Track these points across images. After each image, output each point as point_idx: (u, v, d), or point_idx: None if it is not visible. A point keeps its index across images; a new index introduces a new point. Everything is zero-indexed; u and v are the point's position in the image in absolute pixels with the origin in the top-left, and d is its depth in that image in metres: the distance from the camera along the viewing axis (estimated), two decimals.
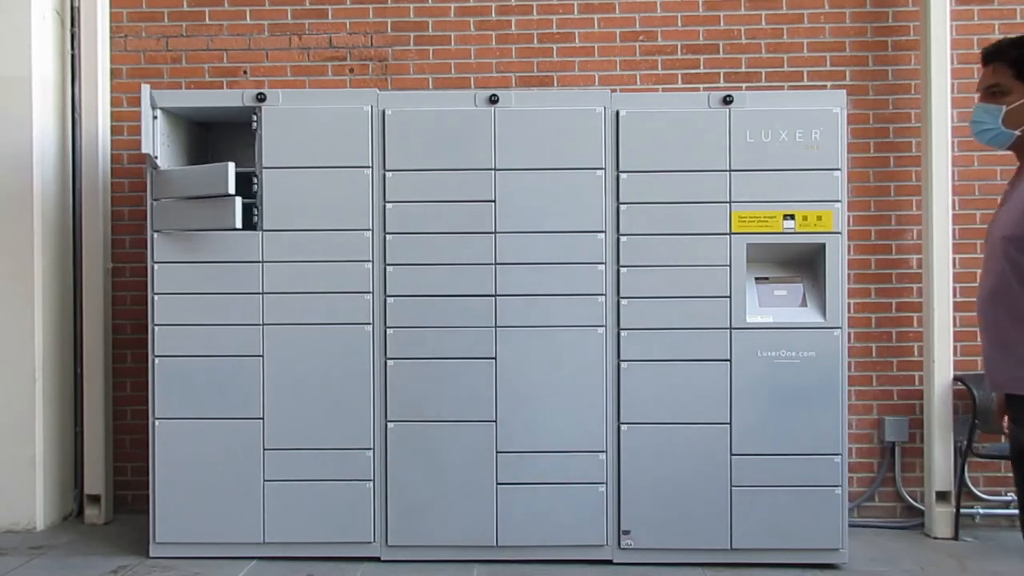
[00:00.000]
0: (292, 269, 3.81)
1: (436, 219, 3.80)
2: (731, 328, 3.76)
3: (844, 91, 3.92)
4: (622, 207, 3.79)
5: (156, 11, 4.65)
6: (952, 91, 4.32)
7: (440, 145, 3.80)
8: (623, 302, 3.78)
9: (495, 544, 3.78)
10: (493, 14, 4.61)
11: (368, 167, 3.81)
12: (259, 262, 3.81)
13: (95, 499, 4.45)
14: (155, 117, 3.83)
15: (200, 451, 3.81)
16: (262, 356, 3.81)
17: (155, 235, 3.84)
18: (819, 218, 3.77)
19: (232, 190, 3.67)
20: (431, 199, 3.81)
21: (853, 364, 4.42)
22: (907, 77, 4.52)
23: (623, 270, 3.78)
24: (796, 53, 4.55)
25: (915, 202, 4.49)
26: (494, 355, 3.79)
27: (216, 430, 3.80)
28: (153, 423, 3.83)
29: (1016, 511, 4.40)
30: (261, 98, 3.83)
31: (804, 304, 3.84)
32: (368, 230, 3.81)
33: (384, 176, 3.82)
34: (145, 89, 3.81)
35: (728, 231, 3.77)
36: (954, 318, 4.33)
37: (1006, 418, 2.43)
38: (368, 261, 3.81)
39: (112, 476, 4.56)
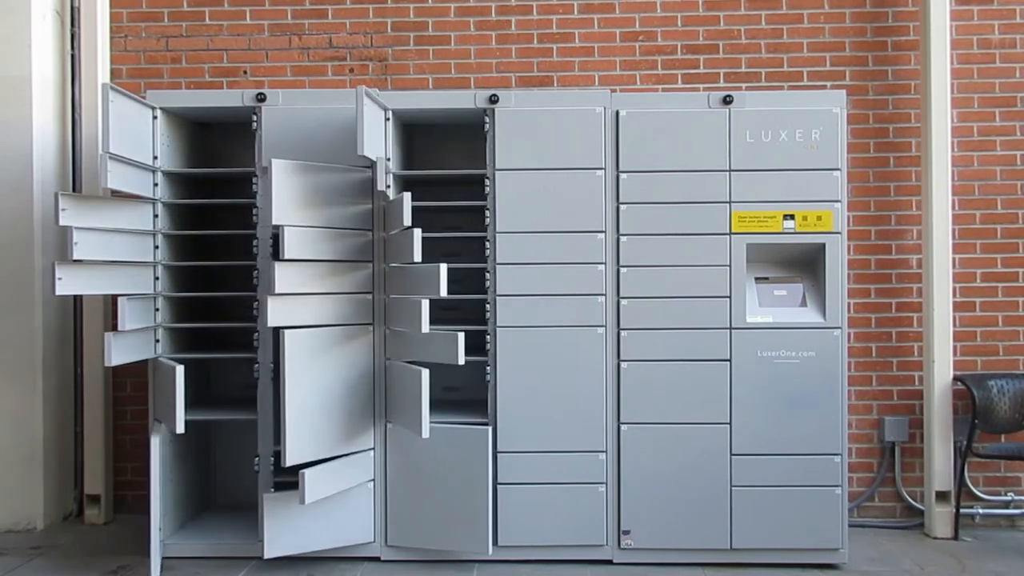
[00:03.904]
0: (296, 269, 3.80)
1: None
2: (731, 328, 3.76)
3: (844, 91, 3.93)
4: (622, 207, 3.79)
5: (156, 11, 4.65)
6: (952, 91, 4.33)
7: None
8: (623, 302, 3.78)
9: (495, 544, 3.78)
10: (493, 14, 4.61)
11: (368, 167, 3.81)
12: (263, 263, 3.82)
13: (95, 499, 4.45)
14: (155, 117, 3.83)
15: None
16: (261, 356, 3.81)
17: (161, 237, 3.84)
18: (819, 218, 3.77)
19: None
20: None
21: (853, 364, 4.42)
22: (907, 77, 4.52)
23: (623, 270, 3.78)
24: (796, 53, 4.55)
25: (915, 202, 4.49)
26: (494, 355, 3.79)
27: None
28: (153, 423, 3.83)
29: (1016, 511, 4.42)
30: (261, 98, 3.83)
31: (804, 304, 3.84)
32: (368, 230, 3.80)
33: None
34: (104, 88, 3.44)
35: (728, 231, 3.77)
36: (954, 318, 4.33)
37: None
38: (369, 261, 3.80)
39: (112, 476, 4.56)
